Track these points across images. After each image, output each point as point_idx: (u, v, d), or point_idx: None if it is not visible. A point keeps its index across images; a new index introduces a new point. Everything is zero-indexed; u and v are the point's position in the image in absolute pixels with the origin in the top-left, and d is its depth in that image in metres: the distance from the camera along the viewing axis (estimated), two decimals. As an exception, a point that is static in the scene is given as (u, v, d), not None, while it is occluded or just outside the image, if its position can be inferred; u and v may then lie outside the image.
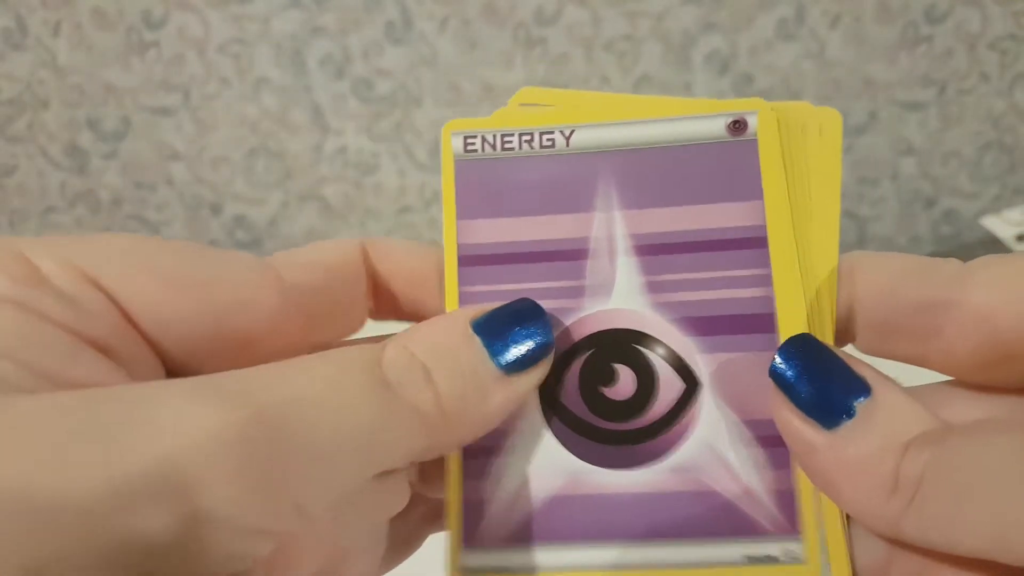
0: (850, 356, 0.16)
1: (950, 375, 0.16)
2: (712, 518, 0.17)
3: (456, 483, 0.17)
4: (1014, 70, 0.65)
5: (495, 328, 0.16)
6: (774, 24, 0.64)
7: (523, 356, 0.16)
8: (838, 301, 0.17)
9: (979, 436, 0.14)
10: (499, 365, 0.16)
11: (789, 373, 0.15)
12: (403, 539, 0.19)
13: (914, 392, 0.16)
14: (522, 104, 0.19)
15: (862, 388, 0.15)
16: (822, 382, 0.15)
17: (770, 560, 0.16)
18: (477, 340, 0.16)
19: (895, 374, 0.16)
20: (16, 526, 0.10)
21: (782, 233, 0.17)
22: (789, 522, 0.16)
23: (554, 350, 0.17)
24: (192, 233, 0.75)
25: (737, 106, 0.18)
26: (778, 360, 0.16)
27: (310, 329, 0.17)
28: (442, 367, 0.15)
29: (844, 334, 0.17)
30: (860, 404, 0.15)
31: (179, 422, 0.11)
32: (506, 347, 0.16)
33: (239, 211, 0.74)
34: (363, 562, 0.17)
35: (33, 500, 0.10)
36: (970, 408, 0.16)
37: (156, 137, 0.71)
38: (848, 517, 0.16)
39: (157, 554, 0.11)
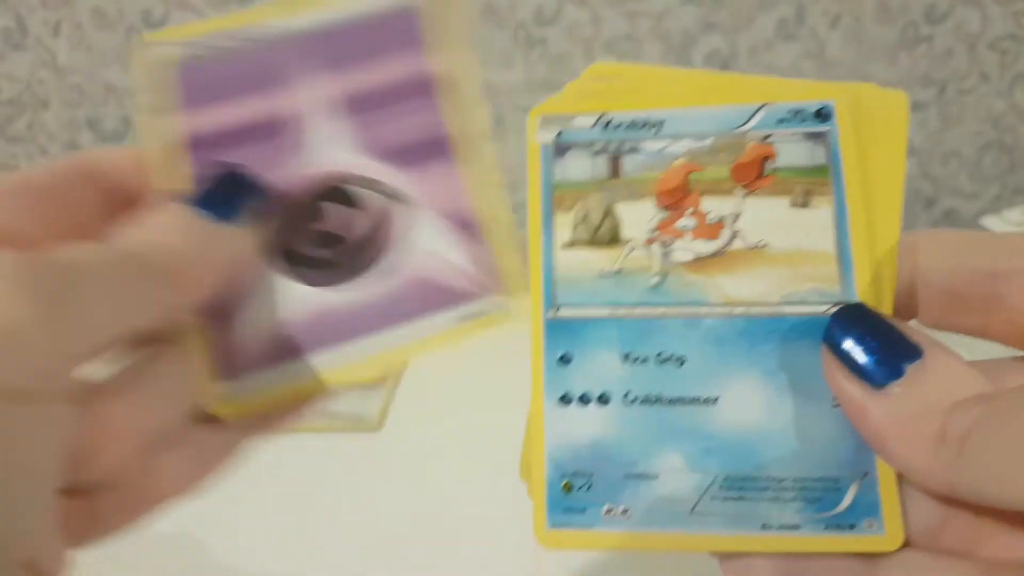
0: (903, 323, 0.16)
1: (1013, 346, 0.17)
2: (427, 298, 0.20)
3: (199, 333, 0.19)
4: (1014, 70, 0.65)
5: (201, 197, 0.18)
6: (774, 24, 0.64)
7: (225, 202, 0.18)
8: (900, 276, 0.17)
9: None
10: (208, 218, 0.18)
11: (840, 337, 0.16)
12: (207, 461, 0.19)
13: (977, 364, 0.16)
14: (592, 78, 0.20)
15: (913, 351, 0.16)
16: (872, 345, 0.16)
17: (481, 314, 0.20)
18: (179, 205, 0.18)
19: (962, 348, 0.16)
20: None
21: (857, 213, 0.18)
22: (492, 282, 0.20)
23: (260, 191, 0.19)
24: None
25: (817, 94, 0.19)
26: (831, 325, 0.16)
27: (51, 226, 0.18)
28: (157, 232, 0.17)
29: (906, 309, 0.18)
30: (911, 366, 0.15)
31: None
32: (205, 196, 0.18)
33: (239, 211, 0.74)
34: (169, 483, 0.18)
35: None
36: None
37: (156, 137, 0.71)
38: (901, 480, 0.17)
39: None
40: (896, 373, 0.15)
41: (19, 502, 0.14)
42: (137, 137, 0.20)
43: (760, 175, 0.19)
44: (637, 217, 0.19)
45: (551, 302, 0.19)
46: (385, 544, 0.40)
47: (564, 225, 0.19)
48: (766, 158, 0.19)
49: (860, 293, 0.18)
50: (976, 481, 0.14)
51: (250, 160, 0.20)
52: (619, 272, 0.19)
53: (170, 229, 0.18)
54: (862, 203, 0.18)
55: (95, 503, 0.17)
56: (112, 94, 0.70)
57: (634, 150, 0.19)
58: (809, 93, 0.19)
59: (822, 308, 0.18)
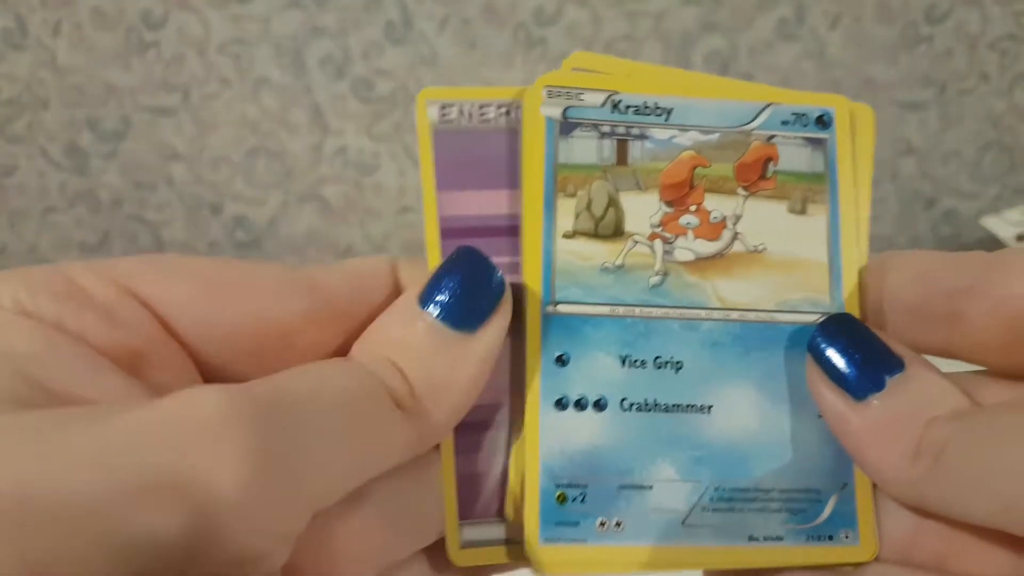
0: (887, 335, 0.17)
1: (976, 363, 0.17)
2: None
3: (449, 460, 0.17)
4: (1014, 70, 0.65)
5: (438, 292, 0.16)
6: (774, 24, 0.64)
7: (474, 307, 0.16)
8: (870, 298, 0.18)
9: (1005, 413, 0.15)
10: (455, 327, 0.15)
11: (825, 347, 0.16)
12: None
13: (956, 378, 0.17)
14: (574, 68, 0.19)
15: (896, 364, 0.16)
16: (856, 356, 0.16)
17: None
18: (426, 315, 0.15)
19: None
20: (15, 527, 0.10)
21: (848, 224, 0.18)
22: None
23: (508, 288, 0.16)
24: (192, 233, 0.75)
25: (816, 100, 0.19)
26: (816, 336, 0.17)
27: (342, 334, 0.17)
28: (402, 354, 0.15)
29: (876, 327, 0.18)
30: (892, 379, 0.16)
31: (179, 411, 0.12)
32: (457, 308, 0.16)
33: (239, 211, 0.74)
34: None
35: (32, 501, 0.10)
36: (1001, 395, 0.17)
37: (156, 137, 0.71)
38: (876, 491, 0.17)
39: (165, 553, 0.11)
40: (878, 385, 0.16)
41: None
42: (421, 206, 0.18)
43: (762, 176, 0.19)
44: (642, 210, 0.18)
45: (550, 297, 0.18)
46: None
47: (566, 212, 0.18)
48: (769, 159, 0.19)
49: (848, 306, 0.18)
50: (945, 496, 0.15)
51: (507, 265, 0.18)
52: (621, 268, 0.18)
53: (408, 343, 0.15)
54: (854, 214, 0.18)
55: None
56: (112, 94, 0.70)
57: (642, 136, 0.18)
58: (808, 98, 0.19)
59: (812, 318, 0.18)
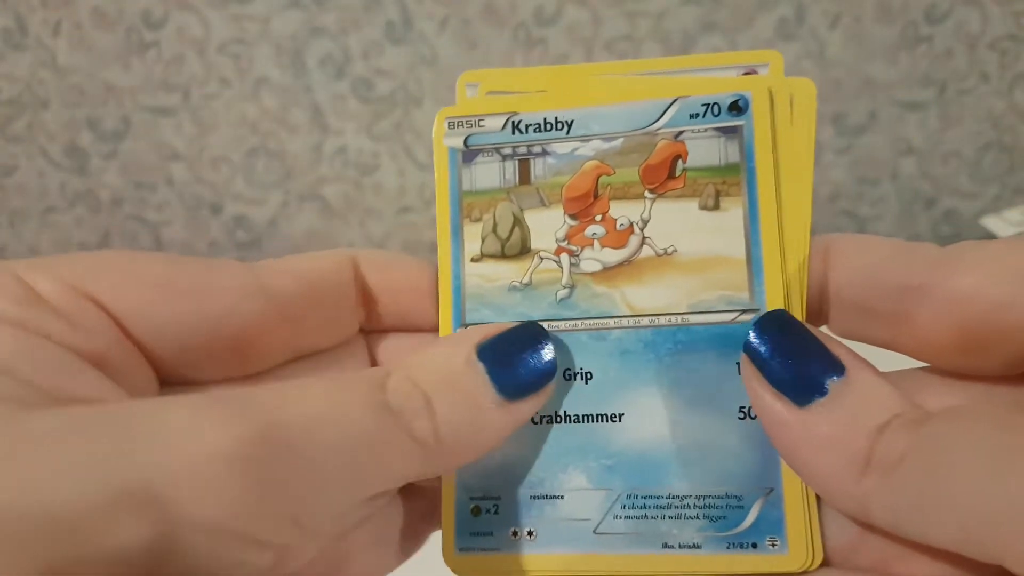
0: (826, 335, 0.16)
1: (922, 360, 0.16)
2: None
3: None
4: (1014, 70, 0.65)
5: (500, 354, 0.16)
6: (774, 24, 0.64)
7: (525, 384, 0.16)
8: (811, 281, 0.17)
9: (960, 426, 0.13)
10: (500, 392, 0.16)
11: (762, 348, 0.15)
12: (403, 538, 0.19)
13: (889, 376, 0.16)
14: (489, 92, 0.19)
15: (836, 367, 0.15)
16: (795, 358, 0.15)
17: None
18: (480, 367, 0.16)
19: (871, 359, 0.16)
20: (7, 537, 0.10)
21: (769, 214, 0.17)
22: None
23: (555, 373, 0.17)
24: (192, 233, 0.75)
25: (732, 85, 0.18)
26: (752, 335, 0.16)
27: (297, 335, 0.17)
28: (442, 397, 0.15)
29: (817, 315, 0.17)
30: (833, 383, 0.15)
31: (179, 438, 0.11)
32: (509, 375, 0.16)
33: (239, 211, 0.74)
34: (363, 565, 0.17)
35: (26, 512, 0.10)
36: (944, 395, 0.16)
37: (156, 137, 0.71)
38: (820, 504, 0.16)
39: (136, 566, 0.11)
40: (819, 391, 0.15)
41: None
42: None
43: (671, 176, 0.18)
44: (546, 226, 0.18)
45: (460, 320, 0.18)
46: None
47: (473, 237, 0.18)
48: (676, 157, 0.18)
49: (770, 300, 0.17)
50: (899, 514, 0.14)
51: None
52: (528, 285, 0.18)
53: (449, 388, 0.15)
54: (774, 203, 0.17)
55: None
56: (112, 94, 0.70)
57: (544, 152, 0.18)
58: (721, 85, 0.18)
59: (730, 316, 0.17)
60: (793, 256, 0.17)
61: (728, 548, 0.17)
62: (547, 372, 0.16)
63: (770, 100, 0.18)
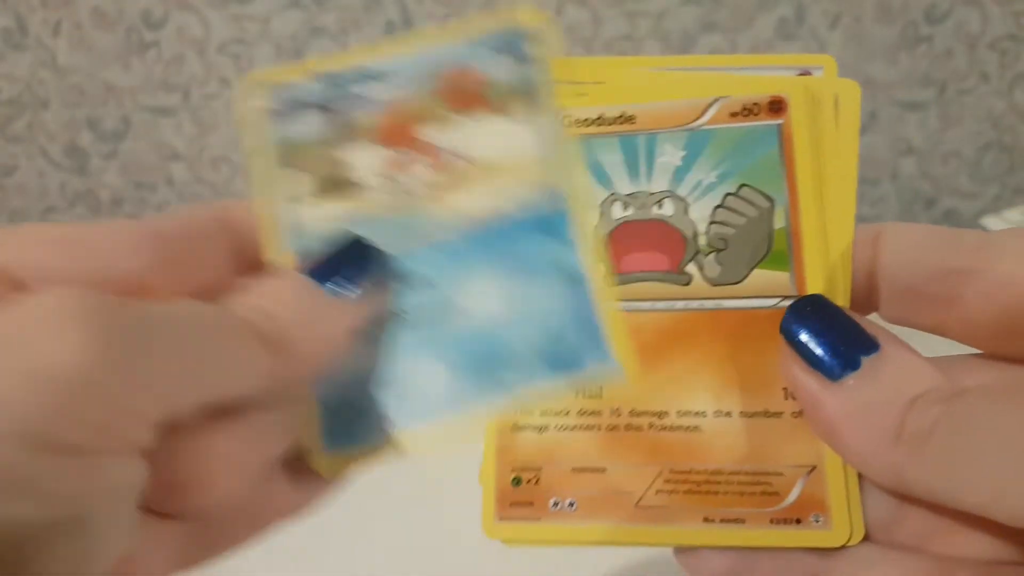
0: (861, 316, 0.16)
1: (969, 344, 0.17)
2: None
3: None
4: (1014, 70, 0.65)
5: (316, 258, 0.17)
6: (774, 24, 0.64)
7: (348, 275, 0.17)
8: (859, 269, 0.17)
9: (994, 398, 0.14)
10: (331, 290, 0.17)
11: (796, 329, 0.16)
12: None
13: (934, 360, 0.16)
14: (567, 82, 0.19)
15: (870, 344, 0.16)
16: (828, 337, 0.16)
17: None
18: (302, 276, 0.17)
19: (919, 346, 0.16)
20: None
21: (809, 208, 0.18)
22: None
23: (384, 262, 0.18)
24: (192, 233, 0.75)
25: (763, 87, 0.19)
26: (787, 317, 0.16)
27: (188, 284, 0.18)
28: (273, 301, 0.16)
29: (867, 303, 0.18)
30: (867, 359, 0.15)
31: (35, 306, 0.13)
32: (328, 269, 0.17)
33: (239, 211, 0.74)
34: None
35: None
36: (987, 376, 0.16)
37: (156, 137, 0.71)
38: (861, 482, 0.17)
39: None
40: (852, 365, 0.15)
41: (91, 542, 0.13)
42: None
43: (475, 99, 0.19)
44: (366, 162, 0.19)
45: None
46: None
47: (296, 184, 0.19)
48: (475, 82, 0.19)
49: (811, 287, 0.18)
50: (930, 481, 0.14)
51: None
52: (358, 215, 0.19)
53: (283, 298, 0.16)
54: (813, 198, 0.18)
55: (203, 527, 0.16)
56: (112, 94, 0.70)
57: (358, 100, 0.19)
58: (763, 86, 0.19)
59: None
60: (836, 246, 0.18)
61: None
62: (369, 260, 0.18)
63: (810, 101, 0.18)
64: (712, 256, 0.19)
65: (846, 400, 0.15)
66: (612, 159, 0.19)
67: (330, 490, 0.19)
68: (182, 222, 0.18)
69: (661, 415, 0.18)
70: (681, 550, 0.18)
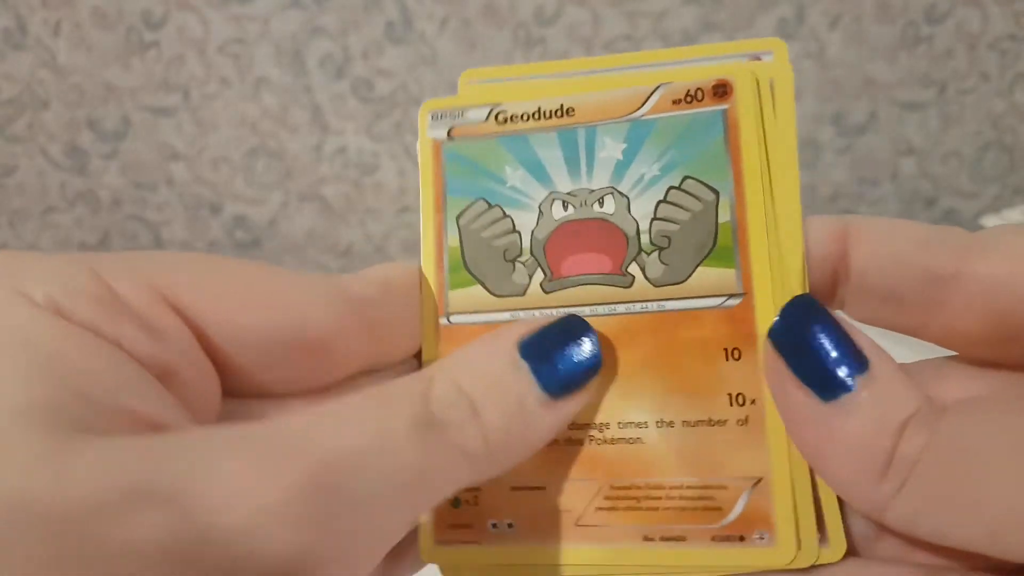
0: (847, 323, 0.15)
1: (950, 349, 0.16)
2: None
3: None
4: (1014, 70, 0.65)
5: (543, 351, 0.15)
6: (774, 24, 0.64)
7: (571, 380, 0.16)
8: (821, 266, 0.16)
9: (975, 420, 0.13)
10: (546, 391, 0.15)
11: (788, 337, 0.15)
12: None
13: (907, 368, 0.15)
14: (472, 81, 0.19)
15: (861, 360, 0.14)
16: (823, 350, 0.14)
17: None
18: (524, 366, 0.15)
19: (887, 345, 0.15)
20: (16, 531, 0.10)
21: (756, 202, 0.17)
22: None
23: (599, 368, 0.16)
24: (192, 233, 0.75)
25: (707, 72, 0.17)
26: (779, 323, 0.15)
27: (373, 342, 0.17)
28: (489, 400, 0.14)
29: (829, 300, 0.16)
30: (861, 377, 0.14)
31: (227, 492, 0.11)
32: (554, 371, 0.15)
33: (239, 211, 0.74)
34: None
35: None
36: (965, 385, 0.15)
37: (156, 137, 0.71)
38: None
39: None
40: (844, 386, 0.14)
41: None
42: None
43: None
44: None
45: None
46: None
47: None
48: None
49: (758, 287, 0.16)
50: (919, 519, 0.13)
51: None
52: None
53: (505, 391, 0.15)
54: (760, 190, 0.17)
55: None
56: (112, 94, 0.70)
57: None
58: (707, 73, 0.18)
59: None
60: (786, 240, 0.16)
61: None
62: (592, 366, 0.16)
63: (756, 85, 0.17)
64: (655, 255, 0.17)
65: (836, 424, 0.14)
66: (551, 155, 0.18)
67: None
68: (380, 285, 0.16)
69: (601, 428, 0.17)
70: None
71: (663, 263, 0.17)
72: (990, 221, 0.63)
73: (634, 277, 0.17)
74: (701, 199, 0.17)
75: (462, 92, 0.19)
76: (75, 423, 0.11)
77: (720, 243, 0.17)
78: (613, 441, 0.17)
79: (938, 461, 0.13)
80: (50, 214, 0.75)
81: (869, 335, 0.15)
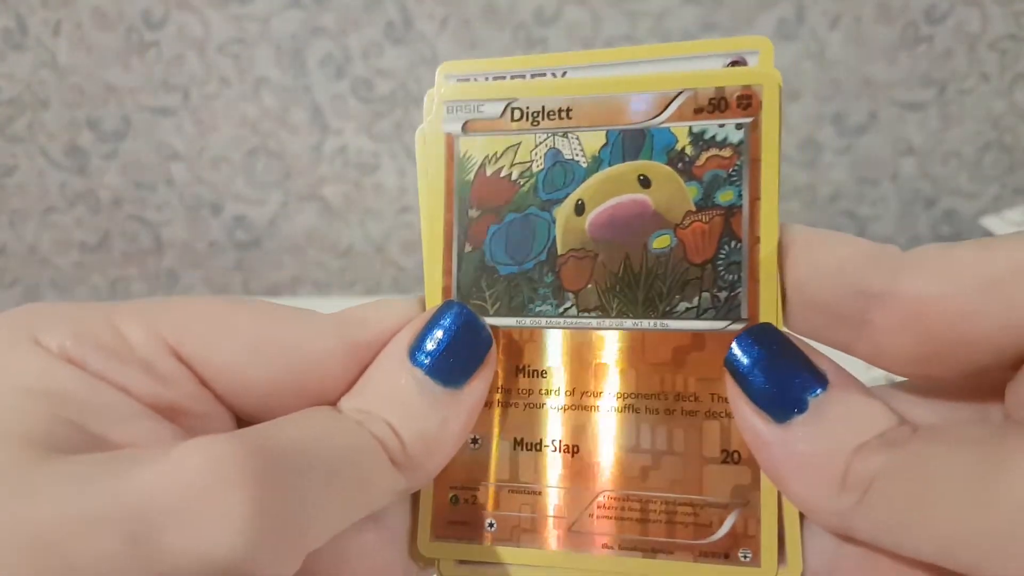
0: (811, 348, 0.15)
1: (879, 367, 0.16)
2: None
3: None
4: (1014, 70, 0.65)
5: (431, 349, 0.16)
6: (774, 24, 0.64)
7: (466, 365, 0.16)
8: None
9: (936, 445, 0.13)
10: (447, 385, 0.16)
11: (744, 362, 0.15)
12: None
13: (880, 392, 0.16)
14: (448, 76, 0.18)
15: (818, 382, 0.15)
16: (775, 374, 0.15)
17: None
18: (417, 372, 0.16)
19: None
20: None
21: (772, 220, 0.16)
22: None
23: (494, 342, 0.17)
24: (192, 233, 0.75)
25: (726, 80, 0.17)
26: (735, 348, 0.15)
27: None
28: (397, 418, 0.15)
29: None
30: (814, 398, 0.14)
31: (182, 473, 0.12)
32: (447, 364, 0.16)
33: (239, 211, 0.74)
34: (368, 565, 0.17)
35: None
36: (924, 412, 0.16)
37: (156, 137, 0.71)
38: (802, 518, 0.16)
39: None
40: (798, 406, 0.14)
41: None
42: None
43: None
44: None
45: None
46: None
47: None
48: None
49: (764, 308, 0.16)
50: (875, 531, 0.14)
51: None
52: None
53: (405, 407, 0.15)
54: (776, 200, 0.16)
55: None
56: (112, 94, 0.70)
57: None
58: (730, 78, 0.17)
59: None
60: (767, 256, 0.16)
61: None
62: (481, 342, 0.16)
63: (779, 97, 0.17)
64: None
65: (790, 444, 0.14)
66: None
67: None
68: (383, 327, 0.17)
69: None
70: None
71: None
72: (990, 221, 0.63)
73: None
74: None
75: (438, 85, 0.19)
76: (61, 449, 0.12)
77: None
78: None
79: (895, 479, 0.13)
80: (50, 214, 0.75)
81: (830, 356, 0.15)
